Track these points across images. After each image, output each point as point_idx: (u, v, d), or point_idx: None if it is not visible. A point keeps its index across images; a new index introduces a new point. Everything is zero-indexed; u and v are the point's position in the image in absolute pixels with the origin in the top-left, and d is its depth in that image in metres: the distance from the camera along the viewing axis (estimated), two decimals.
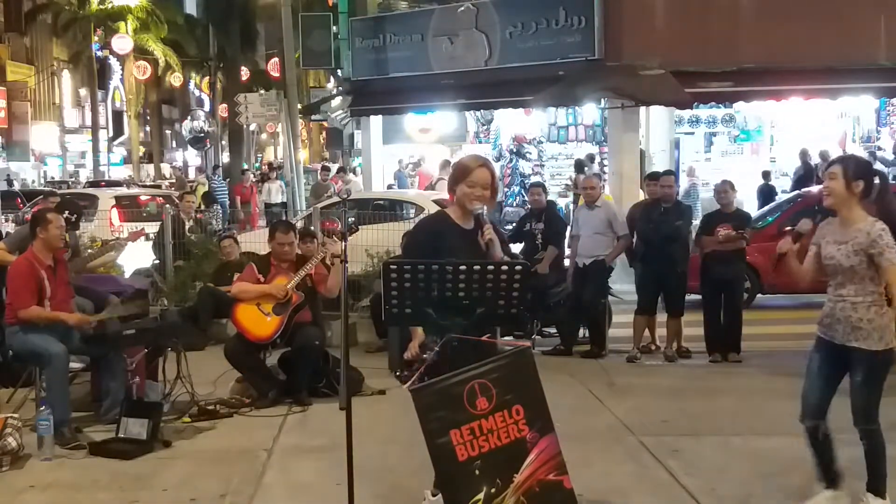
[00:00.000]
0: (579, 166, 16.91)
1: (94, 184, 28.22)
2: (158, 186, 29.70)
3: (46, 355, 6.34)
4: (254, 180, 20.51)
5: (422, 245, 4.53)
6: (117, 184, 27.54)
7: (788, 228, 4.95)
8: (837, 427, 6.55)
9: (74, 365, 6.97)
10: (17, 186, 28.58)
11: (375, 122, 20.05)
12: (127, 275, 11.13)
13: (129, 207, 15.79)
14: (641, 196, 11.91)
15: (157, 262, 11.44)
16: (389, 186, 19.71)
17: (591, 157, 17.69)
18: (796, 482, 5.38)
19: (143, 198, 17.43)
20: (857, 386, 4.57)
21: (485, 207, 4.50)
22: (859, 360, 4.53)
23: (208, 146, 38.61)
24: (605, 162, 17.75)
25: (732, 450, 6.06)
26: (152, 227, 11.30)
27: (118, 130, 42.80)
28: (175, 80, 43.20)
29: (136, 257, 11.69)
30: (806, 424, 4.73)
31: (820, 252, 4.70)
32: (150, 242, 11.24)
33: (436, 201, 13.21)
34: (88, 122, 43.12)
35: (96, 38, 38.95)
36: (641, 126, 16.89)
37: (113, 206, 15.54)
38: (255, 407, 7.19)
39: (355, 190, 16.42)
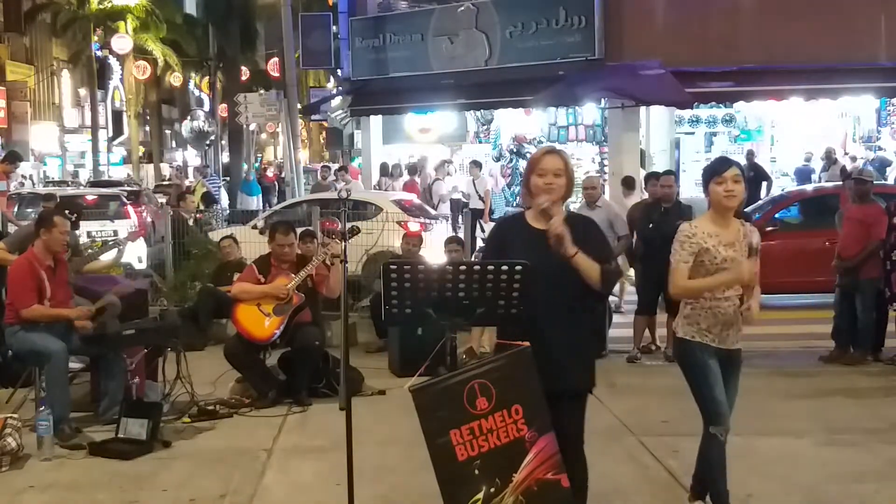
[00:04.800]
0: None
1: (95, 184, 28.10)
2: (161, 187, 29.67)
3: (46, 354, 6.34)
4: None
5: (490, 252, 4.31)
6: (118, 183, 27.49)
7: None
8: (836, 428, 6.58)
9: (74, 365, 6.97)
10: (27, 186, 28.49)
11: (375, 121, 20.06)
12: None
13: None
14: (642, 196, 11.89)
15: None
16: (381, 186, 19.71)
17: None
18: (797, 481, 5.39)
19: (89, 197, 17.41)
20: (737, 386, 4.64)
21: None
22: (738, 362, 4.60)
23: (209, 146, 38.61)
24: (605, 162, 17.78)
25: (732, 450, 6.00)
26: (95, 226, 11.28)
27: (118, 130, 42.71)
28: (175, 79, 43.12)
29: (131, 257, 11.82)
30: (724, 429, 4.60)
31: (689, 264, 4.37)
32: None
33: (395, 202, 13.33)
34: (88, 121, 43.07)
35: (96, 38, 38.84)
36: (642, 126, 16.90)
37: None
38: (255, 407, 7.19)
39: (356, 190, 16.43)
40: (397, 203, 13.39)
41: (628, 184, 12.75)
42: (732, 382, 4.61)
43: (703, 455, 4.67)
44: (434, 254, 10.13)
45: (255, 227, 12.92)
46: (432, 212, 14.80)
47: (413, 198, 15.37)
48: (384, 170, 18.57)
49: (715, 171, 4.40)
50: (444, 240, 9.94)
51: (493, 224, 4.64)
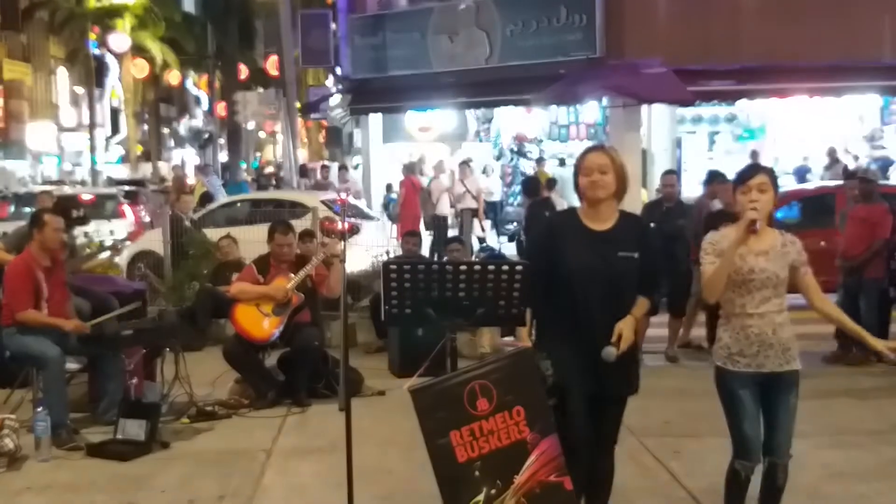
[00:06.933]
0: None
1: (119, 182, 27.93)
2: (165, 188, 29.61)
3: (43, 358, 6.30)
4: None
5: (537, 245, 4.27)
6: (137, 182, 27.37)
7: None
8: (839, 429, 6.55)
9: (72, 366, 6.93)
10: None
11: (375, 120, 20.02)
12: None
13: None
14: (643, 195, 11.87)
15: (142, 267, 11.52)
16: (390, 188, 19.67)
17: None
18: (800, 482, 5.34)
19: (85, 197, 17.33)
20: (790, 411, 4.15)
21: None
22: (790, 384, 4.14)
23: (203, 145, 38.60)
24: None
25: None
26: (91, 225, 11.35)
27: (115, 129, 42.70)
28: (173, 78, 43.08)
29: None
30: (750, 465, 4.23)
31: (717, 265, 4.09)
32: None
33: (323, 202, 13.37)
34: (85, 120, 42.98)
35: (93, 36, 38.76)
36: (643, 125, 16.85)
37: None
38: (254, 408, 7.15)
39: (356, 189, 16.42)
40: (327, 203, 13.42)
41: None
42: (781, 407, 4.16)
43: (725, 480, 4.33)
44: (358, 255, 10.41)
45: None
46: (370, 213, 14.97)
47: (346, 197, 15.48)
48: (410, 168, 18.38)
49: (740, 178, 4.12)
50: (446, 240, 9.96)
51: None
